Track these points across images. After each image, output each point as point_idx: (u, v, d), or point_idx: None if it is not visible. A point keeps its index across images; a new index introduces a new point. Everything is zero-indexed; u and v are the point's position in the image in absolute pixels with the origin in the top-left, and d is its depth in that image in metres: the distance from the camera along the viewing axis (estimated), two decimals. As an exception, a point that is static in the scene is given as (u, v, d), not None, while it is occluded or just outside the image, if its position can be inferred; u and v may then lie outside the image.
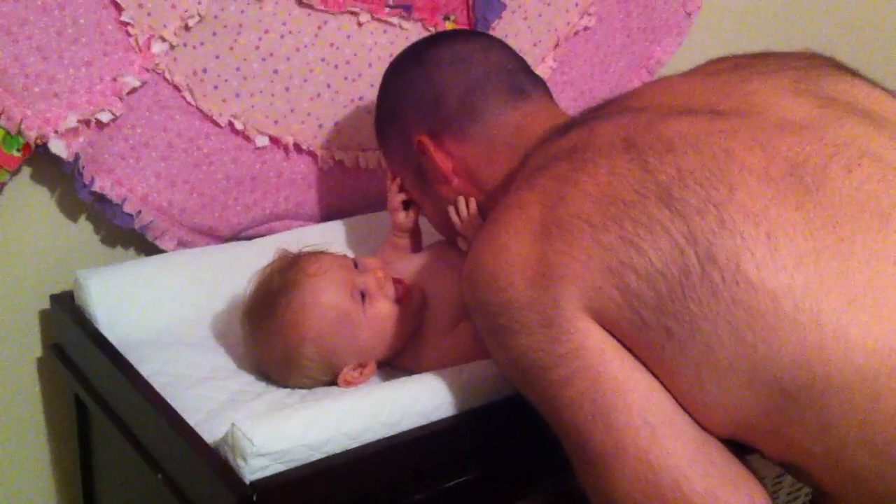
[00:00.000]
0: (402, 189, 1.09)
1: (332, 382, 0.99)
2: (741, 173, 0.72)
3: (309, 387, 0.99)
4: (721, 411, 0.73)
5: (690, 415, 0.75)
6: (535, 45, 1.33)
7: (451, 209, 1.01)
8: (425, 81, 1.01)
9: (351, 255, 1.20)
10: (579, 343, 0.74)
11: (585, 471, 0.76)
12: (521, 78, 1.01)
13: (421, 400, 0.87)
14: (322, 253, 1.01)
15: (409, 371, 1.00)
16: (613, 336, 0.75)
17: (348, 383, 0.97)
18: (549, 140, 0.87)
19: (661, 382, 0.75)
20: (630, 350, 0.75)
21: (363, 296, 0.97)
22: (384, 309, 0.98)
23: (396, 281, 1.01)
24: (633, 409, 0.73)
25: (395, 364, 1.03)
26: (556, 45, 1.36)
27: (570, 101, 1.40)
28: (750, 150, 0.74)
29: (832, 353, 0.68)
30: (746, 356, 0.70)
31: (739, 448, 0.77)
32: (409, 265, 1.07)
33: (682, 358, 0.72)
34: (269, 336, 0.97)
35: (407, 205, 1.11)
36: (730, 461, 0.75)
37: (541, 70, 1.34)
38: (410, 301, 1.00)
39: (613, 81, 1.45)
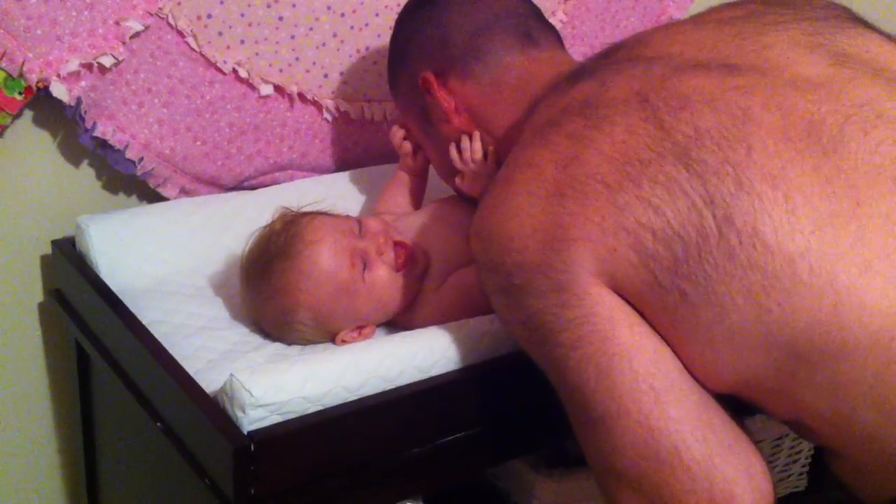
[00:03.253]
0: (407, 135, 1.10)
1: (330, 341, 0.99)
2: (758, 133, 0.71)
3: (305, 344, 0.98)
4: (729, 371, 0.73)
5: (696, 375, 0.75)
6: (545, -3, 1.31)
7: (452, 145, 1.00)
8: (434, 21, 1.01)
9: (355, 206, 1.20)
10: (589, 309, 0.73)
11: (586, 433, 0.76)
12: (531, 24, 1.00)
13: (420, 355, 0.86)
14: (323, 215, 1.00)
15: (406, 328, 1.00)
16: (626, 298, 0.74)
17: (346, 343, 0.97)
18: (558, 89, 0.86)
19: (671, 343, 0.74)
20: (642, 312, 0.74)
21: (363, 262, 0.96)
22: (384, 277, 0.97)
23: (401, 244, 0.99)
24: (639, 374, 0.73)
25: (393, 322, 1.02)
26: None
27: (579, 56, 1.38)
28: (767, 108, 0.73)
29: (847, 316, 0.68)
30: (760, 319, 0.70)
31: (740, 408, 0.77)
32: (411, 223, 1.06)
33: (694, 320, 0.72)
34: (265, 300, 0.97)
35: (415, 149, 1.11)
36: (730, 428, 0.75)
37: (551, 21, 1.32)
38: (414, 267, 0.99)
39: (624, 37, 1.43)
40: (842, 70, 0.77)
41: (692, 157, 0.71)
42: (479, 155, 0.99)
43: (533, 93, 0.92)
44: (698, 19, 0.88)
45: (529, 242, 0.75)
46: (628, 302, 0.74)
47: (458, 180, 1.02)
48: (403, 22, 1.06)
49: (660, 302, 0.73)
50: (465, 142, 0.99)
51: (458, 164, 1.00)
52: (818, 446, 0.79)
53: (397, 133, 1.11)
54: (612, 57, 0.87)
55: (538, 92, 0.90)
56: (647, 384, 0.73)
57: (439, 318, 0.93)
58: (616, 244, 0.72)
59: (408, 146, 1.11)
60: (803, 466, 1.32)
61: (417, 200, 1.14)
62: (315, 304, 0.95)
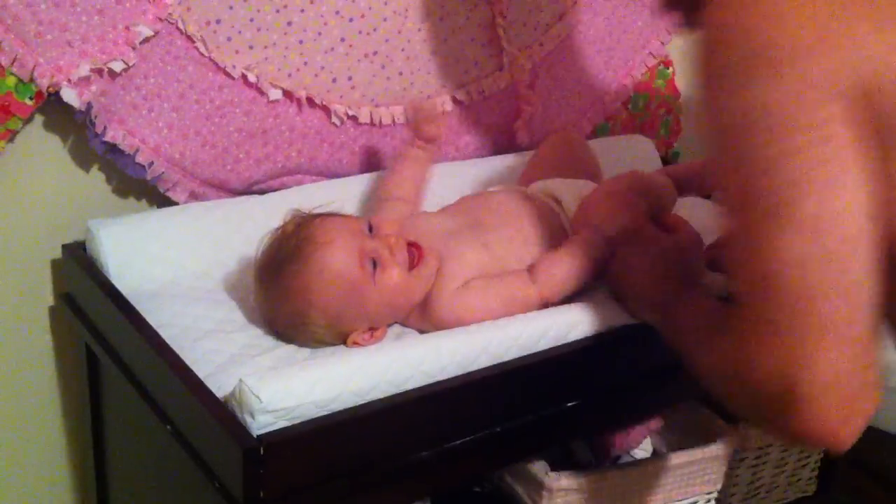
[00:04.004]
0: None
1: (342, 343, 0.98)
2: None
3: (317, 347, 0.98)
4: None
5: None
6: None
7: None
8: None
9: (363, 211, 1.20)
10: (824, 122, 0.70)
11: (753, 232, 0.72)
12: None
13: (427, 360, 0.87)
14: (334, 216, 1.00)
15: (418, 329, 1.00)
16: (859, 127, 0.70)
17: (357, 345, 0.97)
18: None
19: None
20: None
21: (374, 263, 0.97)
22: (394, 277, 0.97)
23: (413, 245, 0.99)
24: (850, 203, 0.70)
25: (404, 322, 1.02)
26: (575, 3, 1.34)
27: (587, 60, 1.39)
28: None
29: None
30: None
31: None
32: (429, 222, 1.06)
33: None
34: (277, 301, 0.97)
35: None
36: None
37: (559, 27, 1.33)
38: (424, 267, 0.99)
39: (633, 41, 1.43)
40: None
41: None
42: None
43: None
44: None
45: (800, 29, 0.71)
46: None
47: None
48: None
49: (886, 146, 0.70)
50: None
51: None
52: None
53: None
54: None
55: None
56: (853, 216, 0.70)
57: (454, 323, 0.93)
58: (876, 73, 0.69)
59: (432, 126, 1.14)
60: (812, 471, 1.32)
61: (424, 186, 1.16)
62: (326, 306, 0.95)
